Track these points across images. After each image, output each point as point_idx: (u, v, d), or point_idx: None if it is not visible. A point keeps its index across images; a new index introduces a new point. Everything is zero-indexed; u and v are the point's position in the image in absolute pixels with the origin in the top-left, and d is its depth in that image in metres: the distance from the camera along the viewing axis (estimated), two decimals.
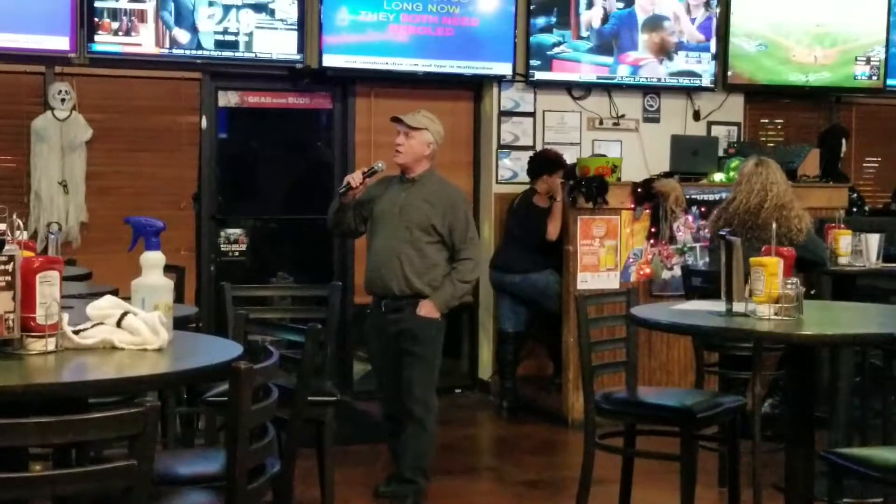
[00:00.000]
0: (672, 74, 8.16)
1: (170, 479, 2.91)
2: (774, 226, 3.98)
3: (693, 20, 8.18)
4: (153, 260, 2.96)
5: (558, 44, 7.87)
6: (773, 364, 5.54)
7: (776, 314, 3.45)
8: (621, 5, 8.01)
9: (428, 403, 5.11)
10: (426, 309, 5.06)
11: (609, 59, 8.01)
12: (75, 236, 6.94)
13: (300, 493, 4.58)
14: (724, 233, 4.67)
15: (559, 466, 6.04)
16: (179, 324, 3.34)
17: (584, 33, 7.93)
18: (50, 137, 6.86)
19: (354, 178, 5.12)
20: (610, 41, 8.01)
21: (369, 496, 5.32)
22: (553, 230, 7.03)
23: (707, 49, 8.22)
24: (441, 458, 5.66)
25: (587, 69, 7.96)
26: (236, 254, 7.64)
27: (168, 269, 3.36)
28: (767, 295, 3.47)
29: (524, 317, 7.37)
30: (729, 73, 8.34)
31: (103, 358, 2.62)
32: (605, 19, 7.96)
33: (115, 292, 3.36)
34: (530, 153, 7.68)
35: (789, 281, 3.48)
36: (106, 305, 2.75)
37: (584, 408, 4.42)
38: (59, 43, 6.84)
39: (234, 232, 7.65)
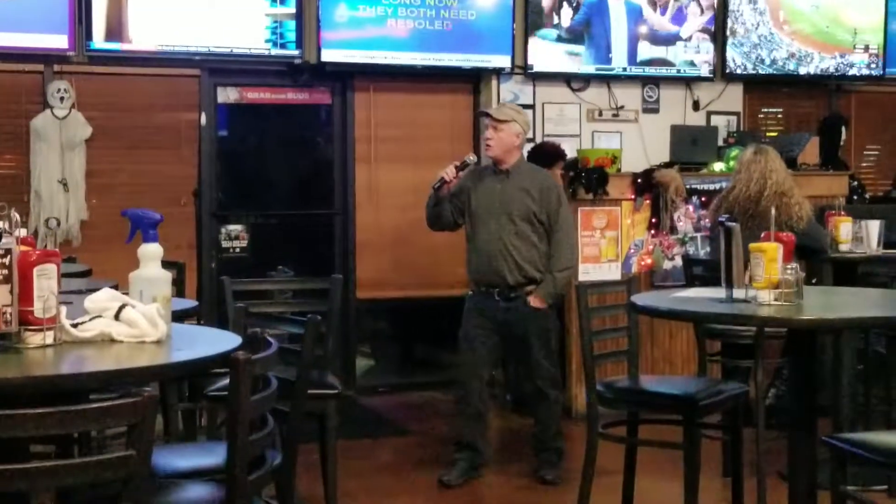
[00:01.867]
0: (658, 62, 8.14)
1: (170, 473, 2.91)
2: (774, 212, 3.96)
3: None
4: (151, 252, 2.94)
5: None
6: (776, 353, 5.53)
7: (776, 299, 3.43)
8: None
9: (555, 379, 5.56)
10: (535, 301, 5.37)
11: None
12: (76, 234, 6.93)
13: (303, 487, 4.58)
14: (723, 219, 4.65)
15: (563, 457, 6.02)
16: (179, 318, 3.34)
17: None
18: (49, 136, 6.85)
19: (448, 172, 5.37)
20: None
21: (372, 490, 5.32)
22: None
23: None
24: (447, 450, 5.68)
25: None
26: (237, 250, 7.63)
27: (168, 265, 3.35)
28: (767, 280, 3.45)
29: None
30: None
31: (102, 350, 2.61)
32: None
33: (115, 287, 3.35)
34: (530, 146, 7.66)
35: (789, 266, 3.46)
36: (104, 298, 2.74)
37: (586, 397, 4.41)
38: (58, 41, 6.82)
39: (235, 228, 7.64)
